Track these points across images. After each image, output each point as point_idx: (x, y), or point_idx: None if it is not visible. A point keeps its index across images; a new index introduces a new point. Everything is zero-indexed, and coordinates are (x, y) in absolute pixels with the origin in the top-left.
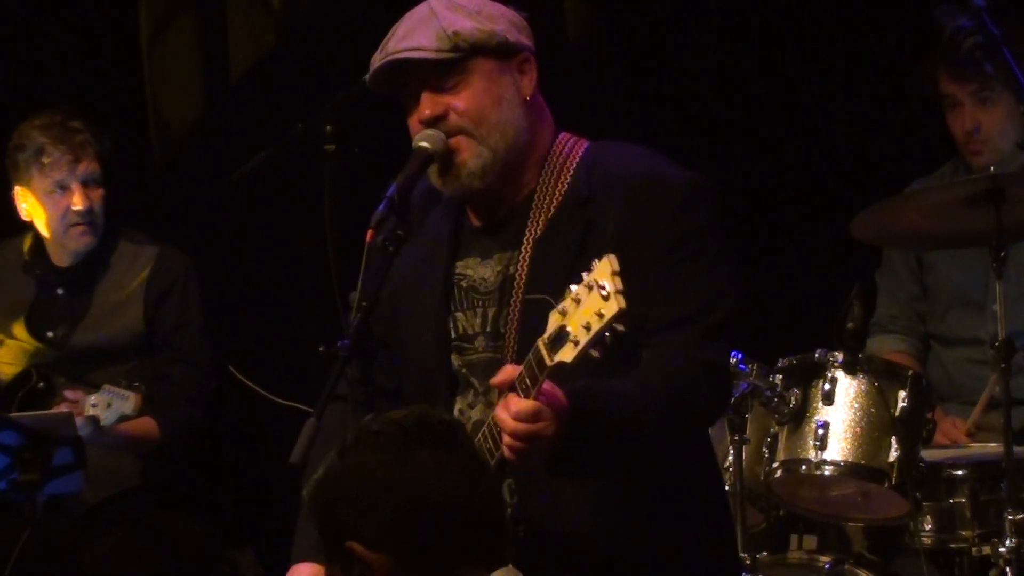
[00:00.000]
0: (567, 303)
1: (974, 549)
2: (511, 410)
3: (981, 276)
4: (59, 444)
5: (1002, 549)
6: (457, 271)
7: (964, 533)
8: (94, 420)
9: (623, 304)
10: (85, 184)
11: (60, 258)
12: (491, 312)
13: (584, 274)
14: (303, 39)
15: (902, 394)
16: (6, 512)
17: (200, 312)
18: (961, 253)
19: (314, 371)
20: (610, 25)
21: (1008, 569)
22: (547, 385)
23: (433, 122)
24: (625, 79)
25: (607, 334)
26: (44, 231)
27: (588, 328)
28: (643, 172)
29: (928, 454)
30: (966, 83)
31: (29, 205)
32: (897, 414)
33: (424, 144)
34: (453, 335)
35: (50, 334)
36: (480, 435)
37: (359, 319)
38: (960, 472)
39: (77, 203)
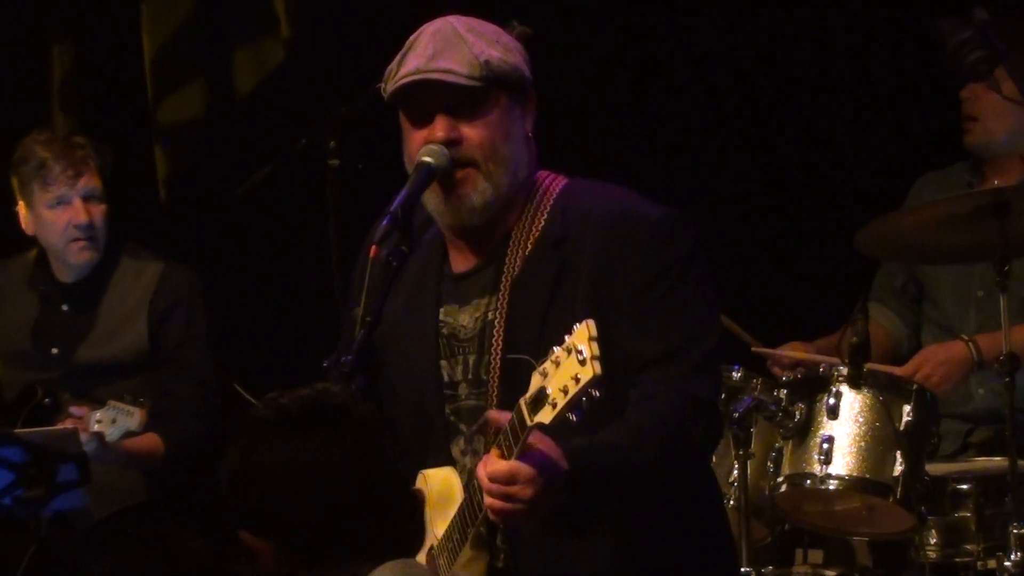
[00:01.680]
0: (548, 365)
1: (979, 563)
2: (488, 470)
3: (961, 306)
4: (64, 460)
5: (1007, 563)
6: (440, 318)
7: (969, 547)
8: (99, 436)
9: (598, 370)
10: (86, 199)
11: (63, 274)
12: (471, 359)
13: (566, 336)
14: (307, 56)
15: (907, 408)
16: (11, 528)
17: (205, 328)
18: (954, 277)
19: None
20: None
21: None
22: (539, 445)
23: (445, 145)
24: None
25: (583, 398)
26: (46, 245)
27: (565, 392)
28: (617, 209)
29: (933, 468)
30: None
31: (32, 219)
32: (902, 428)
33: (428, 159)
34: (443, 383)
35: (55, 350)
36: (471, 487)
37: (363, 334)
38: (965, 486)
39: (78, 218)
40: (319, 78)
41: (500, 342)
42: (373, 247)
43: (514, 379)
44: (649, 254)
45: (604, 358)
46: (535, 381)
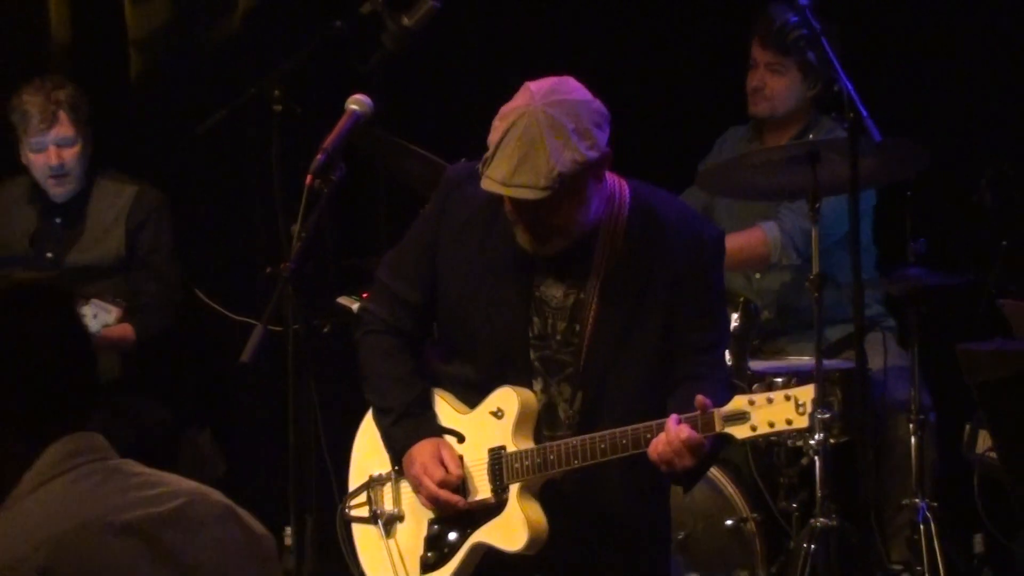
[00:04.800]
0: (760, 397)
1: (789, 441)
2: (683, 435)
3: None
4: None
5: (812, 442)
6: (535, 288)
7: None
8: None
9: (806, 424)
10: (59, 145)
11: (53, 197)
12: (561, 325)
13: (782, 385)
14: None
15: (735, 315)
16: None
17: (171, 239)
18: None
19: (261, 290)
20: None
21: (816, 458)
22: (706, 442)
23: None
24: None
25: (780, 434)
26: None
27: (772, 425)
28: (686, 229)
29: (754, 364)
30: (766, 52)
31: (23, 156)
32: (731, 331)
33: (353, 107)
34: (531, 334)
35: (49, 254)
36: (496, 464)
37: (299, 247)
38: (780, 379)
39: (51, 160)
40: (268, 40)
41: (592, 321)
42: (309, 176)
43: (597, 351)
44: (708, 271)
45: (662, 347)
46: (737, 402)
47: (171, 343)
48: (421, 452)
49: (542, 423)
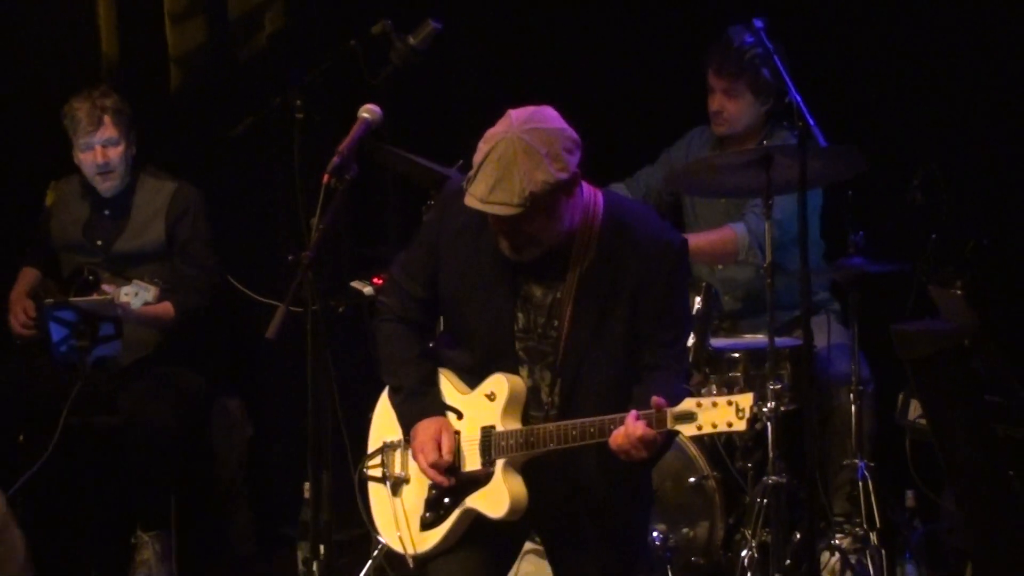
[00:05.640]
0: (706, 401)
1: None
2: (638, 432)
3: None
4: (104, 321)
5: (765, 408)
6: (522, 288)
7: None
8: (126, 304)
9: (744, 428)
10: (104, 145)
11: (101, 192)
12: (541, 320)
13: (726, 392)
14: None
15: (697, 299)
16: (65, 368)
17: (205, 229)
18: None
19: (284, 275)
20: None
21: (768, 423)
22: (660, 436)
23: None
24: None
25: (721, 434)
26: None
27: (714, 426)
28: (654, 236)
29: (715, 342)
30: (720, 79)
31: (75, 155)
32: (693, 313)
33: (365, 115)
34: (516, 328)
35: (99, 242)
36: (486, 440)
37: (317, 237)
38: (737, 355)
39: (97, 159)
40: (291, 57)
41: (568, 317)
42: (326, 176)
43: (572, 343)
44: (672, 274)
45: (629, 338)
46: (687, 403)
47: (206, 321)
48: (424, 431)
49: (529, 405)
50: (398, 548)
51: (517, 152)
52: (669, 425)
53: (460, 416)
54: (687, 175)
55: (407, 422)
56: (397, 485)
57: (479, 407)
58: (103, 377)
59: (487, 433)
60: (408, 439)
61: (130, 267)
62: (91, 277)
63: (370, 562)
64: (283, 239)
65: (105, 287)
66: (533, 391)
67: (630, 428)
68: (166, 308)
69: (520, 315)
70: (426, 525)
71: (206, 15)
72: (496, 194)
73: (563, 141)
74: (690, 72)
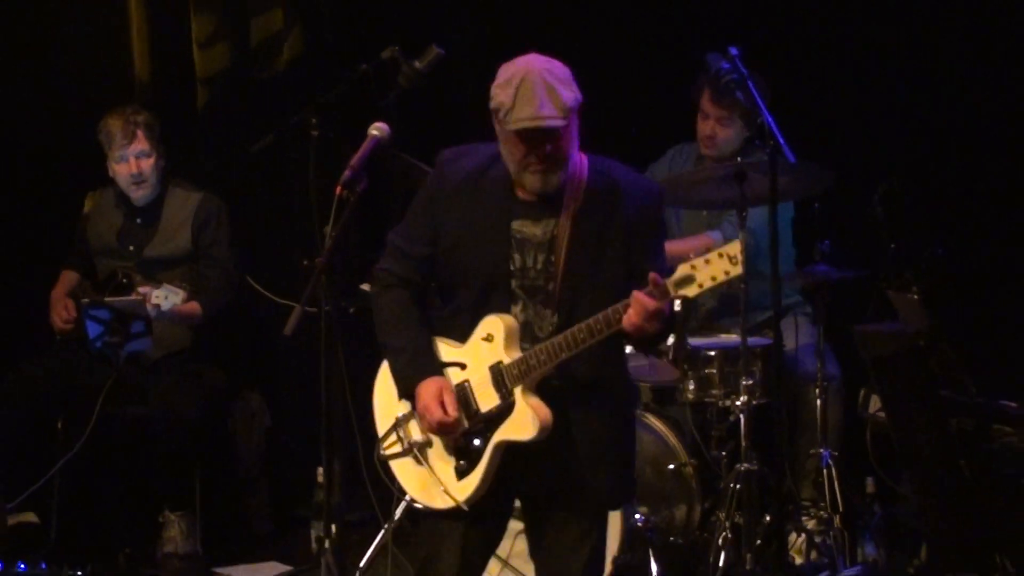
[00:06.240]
0: (698, 261)
1: (720, 402)
2: (650, 306)
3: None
4: (135, 319)
5: (738, 403)
6: (514, 228)
7: (714, 392)
8: (157, 306)
9: (741, 271)
10: (137, 157)
11: (134, 201)
12: (541, 257)
13: (717, 247)
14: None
15: (676, 302)
16: (100, 362)
17: (228, 235)
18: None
19: (299, 278)
20: None
21: (741, 416)
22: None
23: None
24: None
25: (723, 287)
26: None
27: (714, 279)
28: (637, 184)
29: (693, 341)
30: (717, 108)
31: (110, 167)
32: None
33: (374, 132)
34: (512, 267)
35: (131, 248)
36: (497, 376)
37: (331, 244)
38: (712, 353)
39: (131, 169)
40: (307, 79)
41: (565, 253)
42: (339, 188)
43: (569, 277)
44: (658, 213)
45: (625, 275)
46: (682, 269)
47: (229, 320)
48: (426, 392)
49: (523, 340)
50: (445, 505)
51: (547, 78)
52: (672, 293)
53: (464, 367)
54: (670, 188)
55: (408, 384)
56: (422, 449)
57: (480, 351)
58: (135, 370)
59: (496, 369)
60: (413, 403)
61: (159, 270)
62: (125, 279)
63: (377, 540)
64: (299, 246)
65: (140, 289)
66: (526, 327)
67: (642, 302)
68: (194, 308)
69: (516, 256)
70: (462, 473)
71: (230, 41)
72: (545, 110)
73: (567, 74)
74: (671, 91)
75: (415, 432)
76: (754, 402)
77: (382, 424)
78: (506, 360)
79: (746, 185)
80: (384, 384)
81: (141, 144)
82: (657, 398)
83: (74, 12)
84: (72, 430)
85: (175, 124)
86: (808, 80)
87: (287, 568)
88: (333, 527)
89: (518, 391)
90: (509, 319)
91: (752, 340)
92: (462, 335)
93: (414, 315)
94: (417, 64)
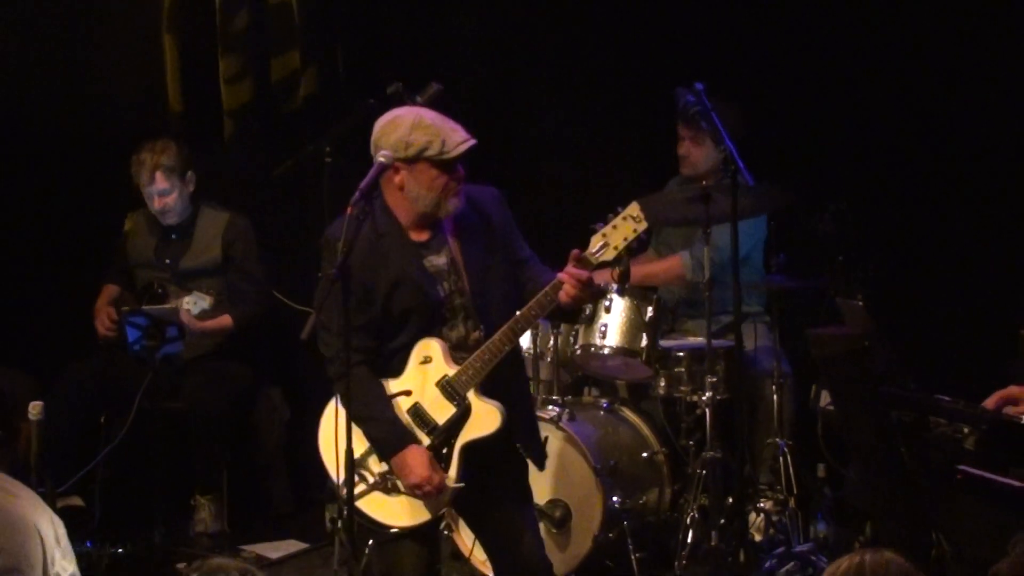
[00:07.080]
0: (607, 228)
1: (688, 397)
2: (583, 276)
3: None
4: (170, 325)
5: (704, 397)
6: (426, 264)
7: (683, 388)
8: (188, 312)
9: (646, 224)
10: (159, 195)
11: (163, 223)
12: (452, 279)
13: (619, 209)
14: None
15: (649, 308)
16: (139, 363)
17: (256, 250)
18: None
19: (317, 288)
20: None
21: (707, 410)
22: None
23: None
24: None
25: (635, 243)
26: None
27: (626, 239)
28: (486, 194)
29: (664, 343)
30: (688, 129)
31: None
32: (646, 319)
33: (380, 159)
34: (442, 295)
35: (167, 261)
36: (447, 388)
37: (343, 257)
38: (681, 354)
39: (155, 206)
40: (322, 112)
41: (463, 268)
42: (348, 208)
43: (475, 286)
44: (507, 209)
45: (511, 266)
46: (595, 240)
47: (256, 325)
48: (414, 459)
49: (460, 350)
50: (427, 516)
51: (432, 113)
52: (595, 261)
53: (409, 393)
54: (651, 206)
55: (391, 449)
56: (384, 479)
57: (422, 374)
58: (169, 370)
59: (444, 383)
60: (388, 463)
61: (192, 281)
62: (160, 290)
63: None
64: (315, 259)
65: (172, 300)
66: (460, 340)
67: (575, 275)
68: (225, 320)
69: (440, 286)
70: None
71: (253, 78)
72: (464, 131)
73: None
74: (660, 125)
75: (375, 464)
76: (718, 397)
77: (329, 461)
78: (451, 372)
79: (712, 205)
80: (328, 430)
81: (161, 184)
82: (632, 393)
83: (116, 54)
84: (114, 423)
85: (205, 152)
86: (772, 112)
87: (305, 545)
88: (345, 508)
89: (471, 393)
90: (437, 340)
91: (716, 342)
92: (400, 369)
93: (380, 388)
94: (418, 99)
